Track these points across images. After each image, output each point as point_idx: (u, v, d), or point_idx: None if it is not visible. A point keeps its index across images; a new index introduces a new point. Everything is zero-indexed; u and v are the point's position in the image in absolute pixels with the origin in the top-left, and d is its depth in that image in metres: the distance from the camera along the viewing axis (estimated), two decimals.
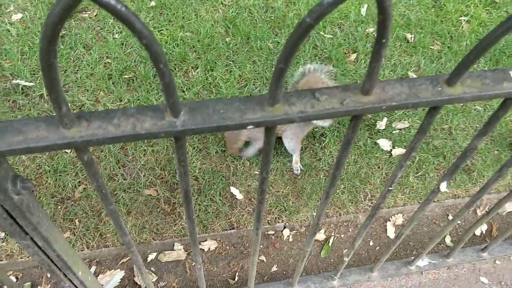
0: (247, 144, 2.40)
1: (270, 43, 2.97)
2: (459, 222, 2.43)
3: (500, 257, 2.29)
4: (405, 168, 1.14)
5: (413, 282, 2.17)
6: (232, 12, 3.11)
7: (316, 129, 2.57)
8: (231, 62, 2.83)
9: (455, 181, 2.47)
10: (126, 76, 2.67)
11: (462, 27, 3.29)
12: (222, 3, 3.18)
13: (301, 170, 2.43)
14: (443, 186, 1.33)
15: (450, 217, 2.44)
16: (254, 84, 2.73)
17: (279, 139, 2.38)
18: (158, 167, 2.32)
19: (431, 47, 3.12)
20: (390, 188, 1.23)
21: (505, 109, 0.99)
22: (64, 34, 2.86)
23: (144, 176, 2.29)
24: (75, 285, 1.34)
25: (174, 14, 3.06)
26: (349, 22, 3.18)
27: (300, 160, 2.44)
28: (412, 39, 3.14)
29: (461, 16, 3.37)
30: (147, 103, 2.54)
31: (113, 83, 2.63)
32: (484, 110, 2.78)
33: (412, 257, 2.05)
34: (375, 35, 0.66)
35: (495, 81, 0.87)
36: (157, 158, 2.35)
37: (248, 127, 0.78)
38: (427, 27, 3.24)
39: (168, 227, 2.14)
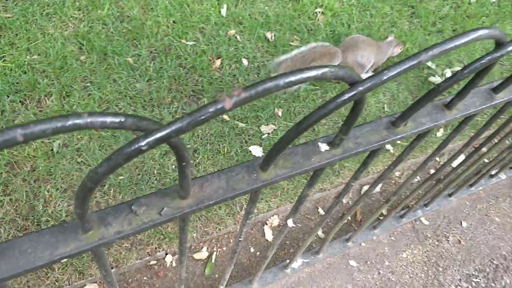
0: None
1: (130, 57, 2.84)
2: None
3: (364, 240, 2.57)
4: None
5: (292, 280, 2.36)
6: (84, 26, 2.89)
7: (189, 145, 2.58)
8: (89, 83, 2.66)
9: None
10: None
11: (318, 19, 3.47)
12: (72, 16, 2.93)
13: None
14: (290, 222, 1.44)
15: (320, 210, 2.66)
16: (117, 106, 2.62)
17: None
18: (19, 218, 2.14)
19: (290, 43, 3.25)
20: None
21: (315, 178, 1.10)
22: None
23: (4, 230, 2.10)
24: None
25: (16, 35, 2.75)
26: (210, 25, 3.16)
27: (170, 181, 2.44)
28: (272, 37, 3.24)
29: (316, 8, 3.53)
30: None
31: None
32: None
33: (288, 261, 2.22)
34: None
35: (305, 157, 0.95)
36: (17, 207, 2.17)
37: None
38: (286, 23, 3.36)
39: (41, 282, 2.02)
